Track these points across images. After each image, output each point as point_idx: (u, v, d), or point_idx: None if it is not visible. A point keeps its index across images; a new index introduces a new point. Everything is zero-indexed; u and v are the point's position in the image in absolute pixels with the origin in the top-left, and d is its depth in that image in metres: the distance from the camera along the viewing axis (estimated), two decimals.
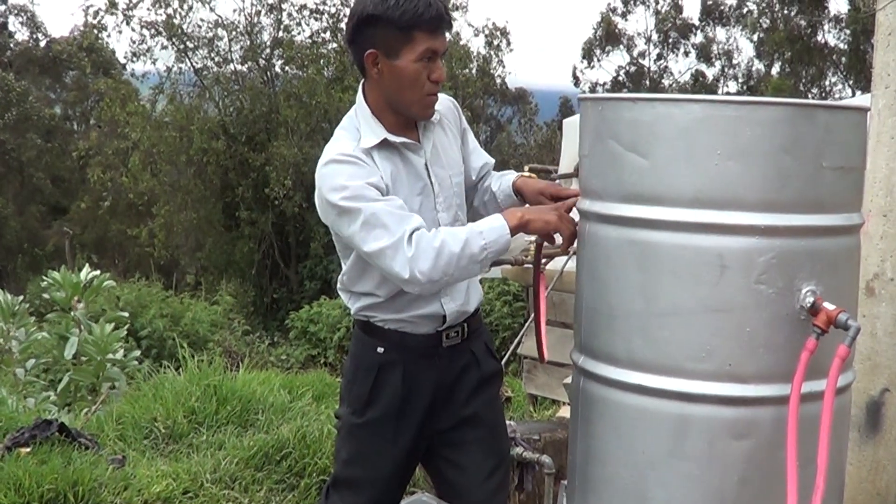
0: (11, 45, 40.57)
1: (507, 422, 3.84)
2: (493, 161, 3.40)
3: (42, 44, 40.92)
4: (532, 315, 3.50)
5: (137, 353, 7.02)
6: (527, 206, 3.06)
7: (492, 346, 3.35)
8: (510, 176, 3.26)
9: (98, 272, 6.92)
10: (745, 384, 2.55)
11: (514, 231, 2.86)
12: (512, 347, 8.54)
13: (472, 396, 3.19)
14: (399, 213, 2.83)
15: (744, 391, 2.55)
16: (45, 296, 6.86)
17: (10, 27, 40.85)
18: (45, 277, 6.81)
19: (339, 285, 3.24)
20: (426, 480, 4.28)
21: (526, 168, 8.83)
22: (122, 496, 4.38)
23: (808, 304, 2.52)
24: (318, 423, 5.11)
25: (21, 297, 6.82)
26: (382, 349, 3.13)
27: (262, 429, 5.17)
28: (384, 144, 2.98)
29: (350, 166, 2.88)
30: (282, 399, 5.65)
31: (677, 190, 2.55)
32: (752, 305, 2.52)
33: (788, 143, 2.50)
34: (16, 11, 40.69)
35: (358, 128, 3.01)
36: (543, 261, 6.76)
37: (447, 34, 2.94)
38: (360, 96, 3.06)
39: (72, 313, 6.64)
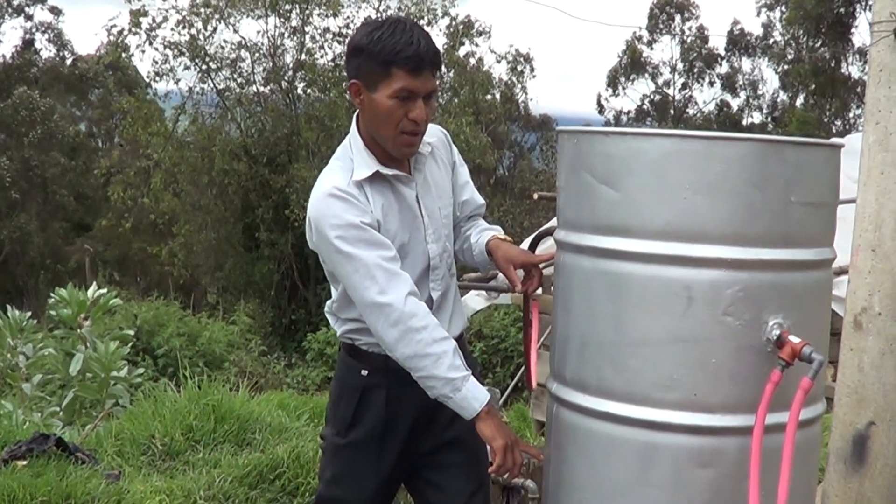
0: (38, 63, 40.92)
1: None
2: (482, 202, 3.41)
3: (68, 61, 41.30)
4: (535, 341, 3.55)
5: (141, 370, 7.08)
6: (509, 434, 3.00)
7: (476, 372, 3.38)
8: (490, 233, 3.29)
9: (105, 290, 6.99)
10: (711, 414, 2.60)
11: (478, 421, 2.96)
12: (520, 374, 8.60)
13: (454, 420, 3.20)
14: (391, 268, 2.90)
15: (709, 421, 2.60)
16: (52, 312, 6.91)
17: (37, 44, 41.28)
18: (52, 295, 6.90)
19: (326, 309, 3.29)
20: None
21: (535, 195, 8.93)
22: None
23: (774, 337, 2.56)
24: (313, 444, 5.14)
25: (29, 313, 6.90)
26: (367, 372, 3.18)
27: (257, 448, 5.21)
28: (376, 177, 3.01)
29: (344, 203, 2.93)
30: (279, 419, 5.69)
31: (647, 222, 2.60)
32: (719, 337, 2.57)
33: (757, 178, 2.55)
34: (43, 28, 41.11)
35: (352, 158, 3.04)
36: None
37: (432, 74, 2.94)
38: (353, 126, 3.10)
39: (78, 330, 6.72)
